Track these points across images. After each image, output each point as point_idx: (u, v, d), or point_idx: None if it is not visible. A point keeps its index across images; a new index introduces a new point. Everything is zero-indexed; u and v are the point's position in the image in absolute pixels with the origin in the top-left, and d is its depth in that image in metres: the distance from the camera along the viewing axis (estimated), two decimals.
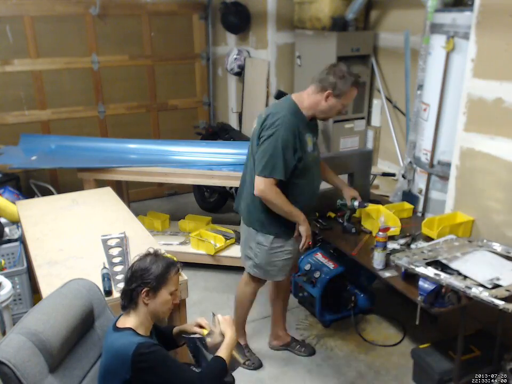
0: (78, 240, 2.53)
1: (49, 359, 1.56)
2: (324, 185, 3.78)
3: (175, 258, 1.87)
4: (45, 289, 2.07)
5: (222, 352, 1.73)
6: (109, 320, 1.83)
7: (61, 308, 1.69)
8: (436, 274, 2.16)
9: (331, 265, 3.06)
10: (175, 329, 1.95)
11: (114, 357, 1.62)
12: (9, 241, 3.01)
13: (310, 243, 2.51)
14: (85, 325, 1.78)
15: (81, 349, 1.76)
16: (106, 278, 2.13)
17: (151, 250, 1.79)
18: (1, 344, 1.50)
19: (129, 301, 1.69)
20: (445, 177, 3.00)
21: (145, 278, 1.68)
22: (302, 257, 3.25)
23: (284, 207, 2.36)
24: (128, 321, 1.69)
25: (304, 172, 2.38)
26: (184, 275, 2.20)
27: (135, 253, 2.32)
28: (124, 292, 1.72)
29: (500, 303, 1.98)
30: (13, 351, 1.48)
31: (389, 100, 3.96)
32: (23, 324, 1.59)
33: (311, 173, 2.44)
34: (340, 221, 2.94)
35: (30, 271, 2.74)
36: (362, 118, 4.18)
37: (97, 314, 1.84)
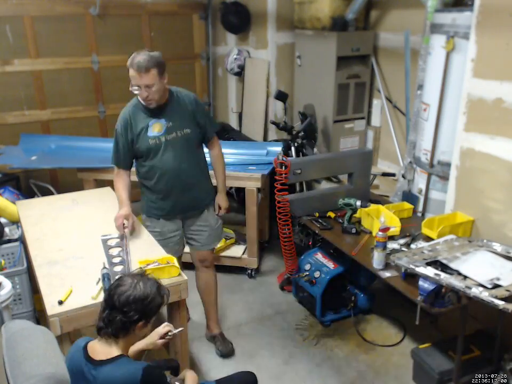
0: (78, 240, 2.52)
1: None
2: (324, 185, 3.79)
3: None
4: (45, 289, 2.07)
5: None
6: None
7: (46, 344, 1.54)
8: (436, 274, 2.16)
9: (331, 265, 3.07)
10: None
11: None
12: (9, 241, 3.01)
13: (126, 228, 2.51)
14: None
15: None
16: (107, 278, 2.12)
17: (138, 271, 1.72)
18: None
19: (120, 329, 1.58)
20: (445, 177, 3.00)
21: (148, 310, 1.59)
22: (302, 257, 3.25)
23: (116, 192, 2.69)
24: (113, 349, 1.58)
25: (148, 154, 2.56)
26: (184, 275, 2.20)
27: (135, 253, 2.34)
28: (118, 322, 1.58)
29: (500, 303, 1.98)
30: None
31: (389, 100, 3.96)
32: (28, 375, 1.39)
33: (158, 154, 2.55)
34: (340, 221, 2.94)
35: (30, 271, 2.73)
36: (362, 118, 4.18)
37: None
